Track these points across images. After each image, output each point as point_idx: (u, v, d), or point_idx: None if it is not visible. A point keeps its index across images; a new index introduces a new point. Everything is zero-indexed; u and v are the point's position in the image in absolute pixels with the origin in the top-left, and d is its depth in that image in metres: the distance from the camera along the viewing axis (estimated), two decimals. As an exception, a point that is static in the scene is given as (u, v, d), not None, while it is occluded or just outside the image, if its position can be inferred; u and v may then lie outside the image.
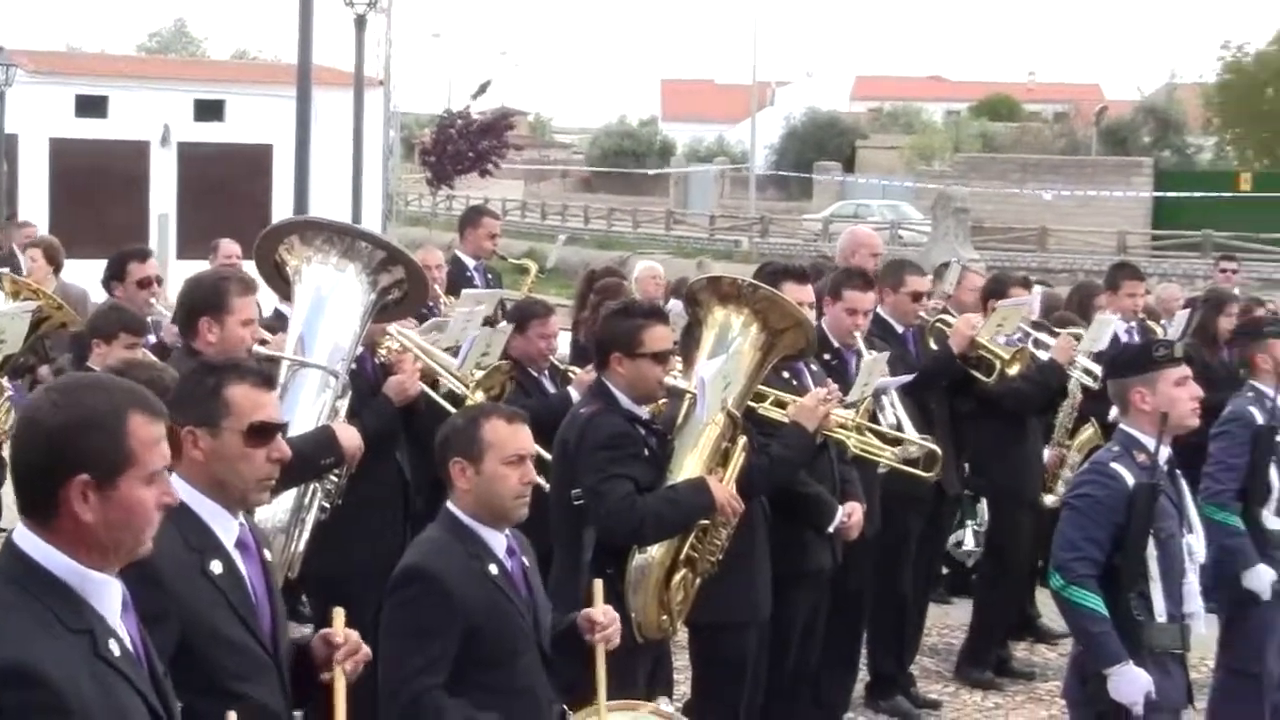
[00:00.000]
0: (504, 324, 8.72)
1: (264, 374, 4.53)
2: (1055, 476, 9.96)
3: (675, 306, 9.38)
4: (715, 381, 6.60)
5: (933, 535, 9.64)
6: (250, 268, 7.66)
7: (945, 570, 10.89)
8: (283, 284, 6.99)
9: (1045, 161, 56.85)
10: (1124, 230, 46.50)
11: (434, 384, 7.69)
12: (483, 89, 57.55)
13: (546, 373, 8.84)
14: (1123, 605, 6.09)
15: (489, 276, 11.75)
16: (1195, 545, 6.36)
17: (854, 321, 8.22)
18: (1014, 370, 9.39)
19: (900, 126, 75.28)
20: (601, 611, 5.17)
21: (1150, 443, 6.21)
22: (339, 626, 4.25)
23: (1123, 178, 52.36)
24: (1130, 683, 6.00)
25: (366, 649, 4.29)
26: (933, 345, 9.42)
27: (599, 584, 5.26)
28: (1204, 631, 6.45)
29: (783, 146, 72.46)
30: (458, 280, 11.12)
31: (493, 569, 5.02)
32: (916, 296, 9.31)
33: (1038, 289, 12.09)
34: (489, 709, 4.92)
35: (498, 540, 5.09)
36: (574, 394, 8.23)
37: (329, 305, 6.81)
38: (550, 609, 5.26)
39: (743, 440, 6.65)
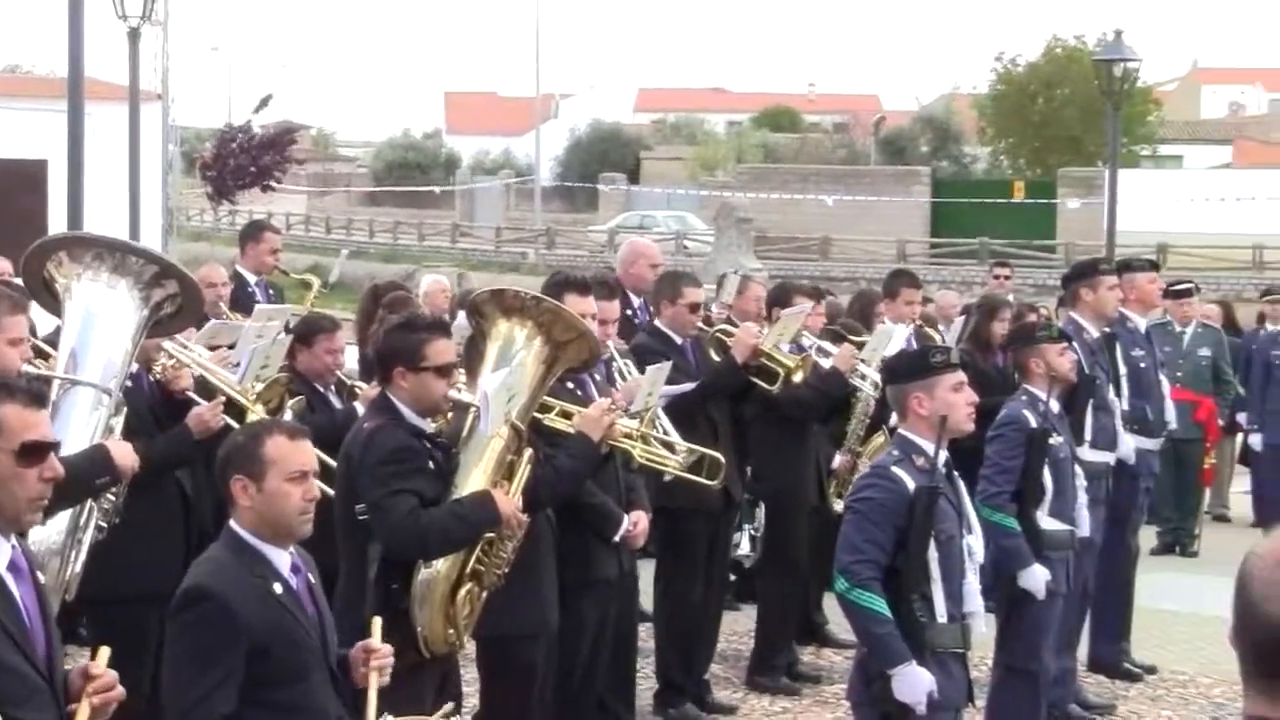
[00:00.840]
0: (283, 336, 8.62)
1: (35, 393, 4.43)
2: (846, 483, 10.09)
3: (461, 320, 9.35)
4: (499, 394, 6.58)
5: (722, 542, 9.72)
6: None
7: (733, 577, 10.97)
8: (51, 301, 6.84)
9: (826, 171, 57.68)
10: (903, 238, 47.30)
11: (211, 397, 7.56)
12: (264, 103, 56.87)
13: (333, 388, 8.76)
14: (905, 607, 6.19)
15: (270, 292, 11.61)
16: (974, 546, 6.48)
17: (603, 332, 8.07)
18: (798, 378, 9.52)
19: (683, 138, 75.84)
20: (378, 643, 5.14)
21: (929, 447, 6.32)
22: (101, 661, 4.26)
23: (902, 187, 53.32)
24: (913, 683, 6.10)
25: (119, 691, 4.27)
26: (714, 355, 9.50)
27: (378, 621, 5.23)
28: (983, 630, 6.58)
29: (568, 158, 72.63)
30: (239, 297, 10.97)
31: (277, 587, 4.96)
32: (694, 308, 9.39)
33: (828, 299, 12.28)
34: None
35: (282, 558, 5.03)
36: (361, 410, 8.16)
37: (100, 322, 6.68)
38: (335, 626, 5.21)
39: (528, 452, 6.64)
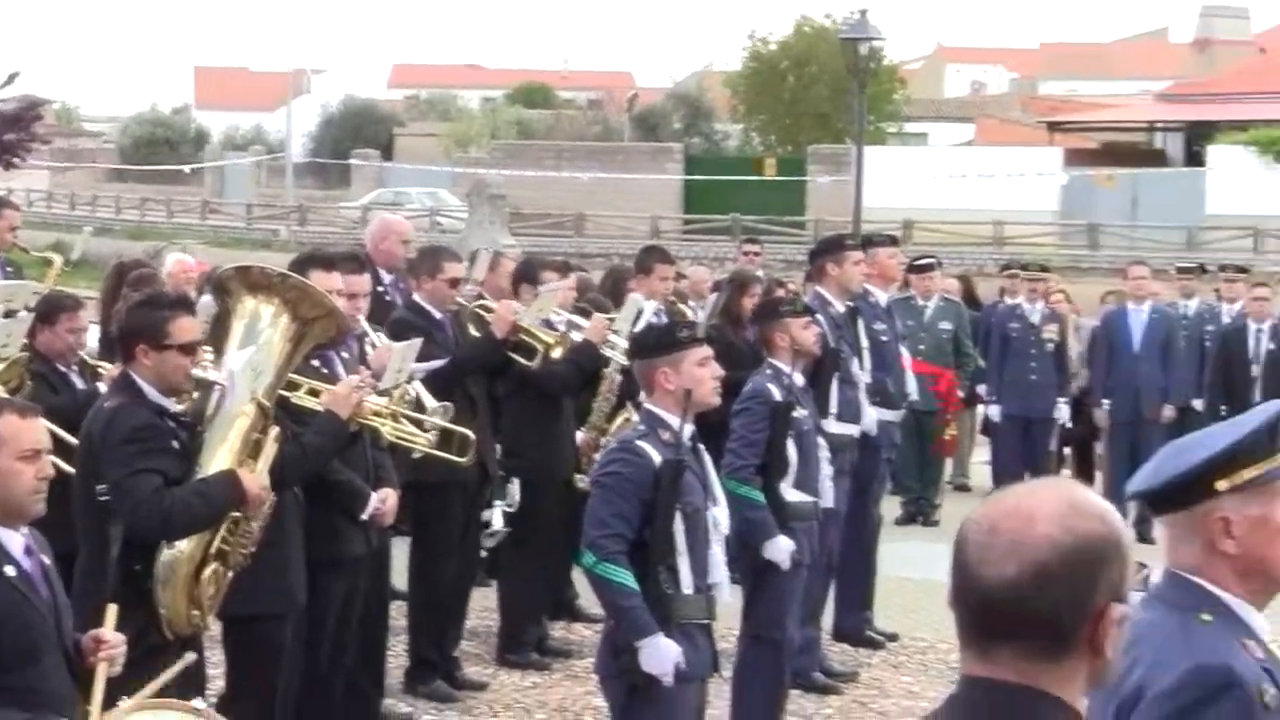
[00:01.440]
0: (24, 313, 8.42)
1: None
2: (590, 459, 10.16)
3: (206, 298, 9.21)
4: (245, 372, 6.52)
5: (475, 518, 9.73)
6: None
7: (485, 553, 10.98)
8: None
9: (580, 148, 57.78)
10: (657, 215, 47.62)
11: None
12: (10, 79, 55.15)
13: (75, 368, 8.58)
14: (651, 579, 6.27)
15: (9, 270, 11.33)
16: (719, 518, 6.59)
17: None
18: (557, 354, 9.57)
19: (438, 114, 75.41)
20: (109, 632, 5.08)
21: (675, 421, 6.41)
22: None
23: (655, 164, 53.64)
24: (660, 654, 6.18)
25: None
26: (473, 331, 9.51)
27: (113, 609, 5.16)
28: (728, 601, 6.69)
29: (320, 135, 71.76)
30: (-25, 274, 10.69)
31: (9, 570, 4.87)
32: (453, 283, 9.39)
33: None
34: (11, 711, 4.78)
35: (14, 540, 4.94)
36: (104, 390, 8.01)
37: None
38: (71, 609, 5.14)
39: (274, 430, 6.58)
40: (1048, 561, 2.42)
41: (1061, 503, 2.47)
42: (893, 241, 11.39)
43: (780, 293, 11.93)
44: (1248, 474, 3.24)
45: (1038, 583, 2.41)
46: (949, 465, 15.91)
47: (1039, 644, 2.43)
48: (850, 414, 10.14)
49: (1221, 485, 3.24)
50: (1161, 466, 3.30)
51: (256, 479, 6.36)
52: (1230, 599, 3.27)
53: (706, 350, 6.58)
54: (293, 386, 7.14)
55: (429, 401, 8.19)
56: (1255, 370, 14.62)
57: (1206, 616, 3.23)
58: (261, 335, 6.73)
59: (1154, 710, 3.14)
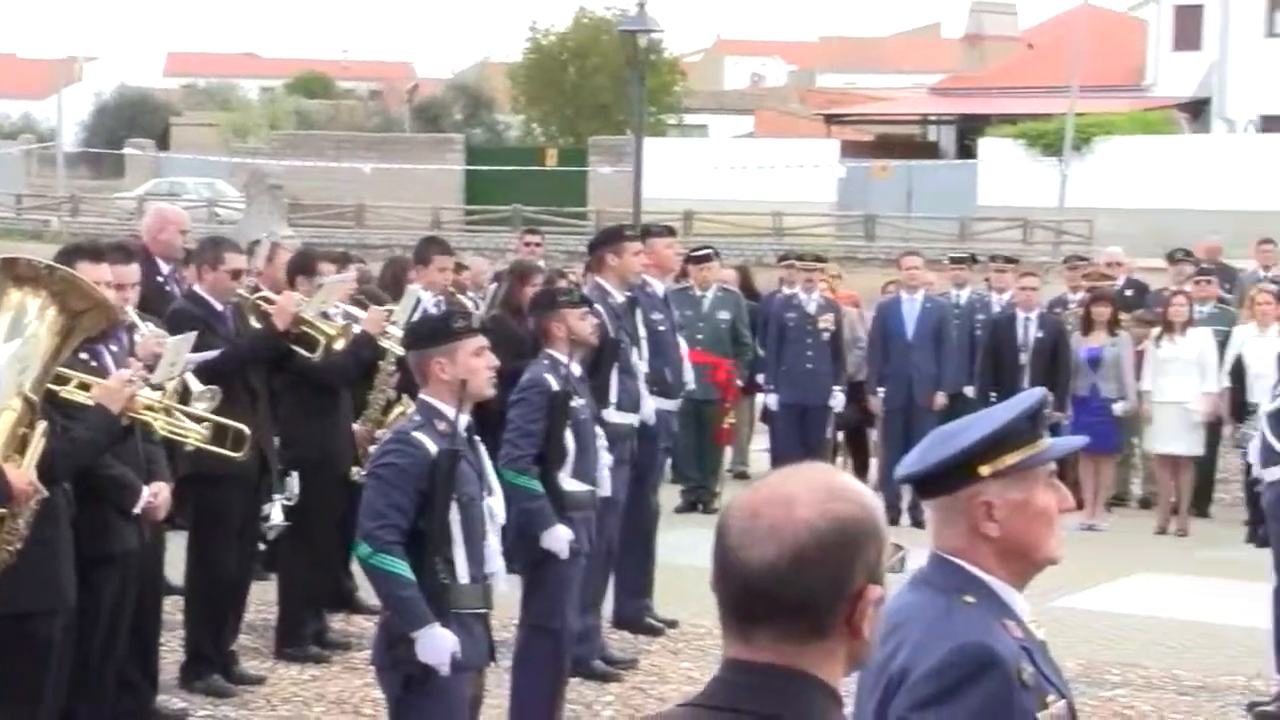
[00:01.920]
0: None
1: None
2: (366, 452, 10.08)
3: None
4: (11, 366, 6.36)
5: (254, 512, 9.60)
6: None
7: (263, 546, 10.84)
8: None
9: (361, 138, 57.33)
10: (438, 206, 47.41)
11: None
12: None
13: None
14: (428, 569, 6.24)
15: None
16: (495, 508, 6.58)
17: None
18: (339, 346, 9.49)
19: (215, 103, 74.29)
20: None
21: (450, 411, 6.38)
22: None
23: (437, 154, 53.38)
24: (436, 644, 6.16)
25: None
26: (254, 323, 9.38)
27: None
28: (505, 590, 6.68)
29: (93, 123, 70.32)
30: None
31: None
32: (235, 274, 9.27)
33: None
34: None
35: None
36: None
37: None
38: None
39: (42, 425, 6.44)
40: (806, 545, 2.45)
41: (819, 488, 2.50)
42: (670, 232, 11.46)
43: (562, 283, 11.95)
44: (1010, 459, 3.32)
45: (797, 566, 2.45)
46: (728, 453, 16.06)
47: (799, 626, 2.47)
48: (629, 403, 10.20)
49: (984, 470, 3.31)
50: (927, 452, 3.36)
51: (23, 475, 6.21)
52: (992, 581, 3.34)
53: (482, 340, 6.57)
54: (61, 380, 6.98)
55: (195, 386, 8.07)
56: (1024, 358, 14.98)
57: (969, 598, 3.30)
58: (28, 329, 6.56)
59: (918, 689, 3.20)
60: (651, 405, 10.46)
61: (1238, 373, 14.31)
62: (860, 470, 17.12)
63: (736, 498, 2.57)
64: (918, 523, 12.76)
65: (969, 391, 15.36)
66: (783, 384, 15.20)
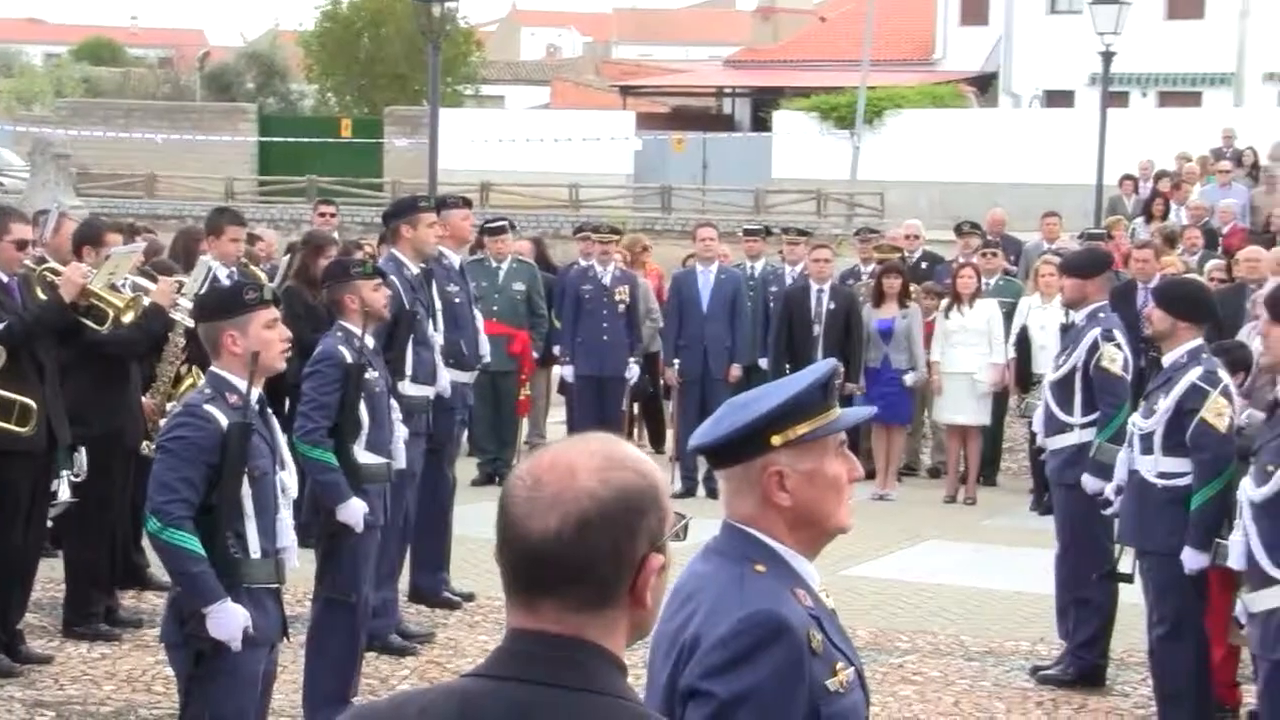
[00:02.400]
0: None
1: None
2: (156, 425, 9.91)
3: None
4: None
5: (43, 488, 9.39)
6: None
7: (50, 522, 10.62)
8: None
9: (151, 107, 56.20)
10: (231, 176, 46.65)
11: None
12: None
13: None
14: (219, 544, 6.16)
15: None
16: (288, 482, 6.50)
17: None
18: (128, 318, 9.30)
19: (-2, 70, 72.39)
20: None
21: (242, 384, 6.29)
22: None
23: (229, 124, 52.49)
24: (228, 620, 6.08)
25: None
26: (41, 294, 9.16)
27: None
28: (296, 565, 6.61)
29: None
30: None
31: None
32: (21, 245, 9.06)
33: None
34: None
35: None
36: None
37: None
38: None
39: None
40: (588, 512, 2.46)
41: (600, 456, 2.51)
42: (465, 203, 11.40)
43: (358, 255, 11.85)
44: (801, 429, 3.34)
45: (579, 534, 2.45)
46: (525, 425, 16.05)
47: (582, 595, 2.47)
48: (425, 376, 10.14)
49: (776, 440, 3.33)
50: (720, 422, 3.38)
51: None
52: (783, 549, 3.37)
53: (274, 312, 6.48)
54: None
55: None
56: (817, 330, 15.15)
57: (760, 566, 3.32)
58: None
59: (710, 657, 3.21)
60: (447, 377, 10.42)
61: (1023, 344, 14.60)
62: (656, 441, 17.23)
63: (518, 467, 2.57)
64: (713, 493, 12.87)
65: (763, 363, 15.51)
66: (579, 355, 15.22)
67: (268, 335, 6.38)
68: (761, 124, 50.43)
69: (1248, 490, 6.66)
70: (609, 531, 2.47)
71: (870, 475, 15.18)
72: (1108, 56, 28.38)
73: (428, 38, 22.83)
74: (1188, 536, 8.07)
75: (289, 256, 13.49)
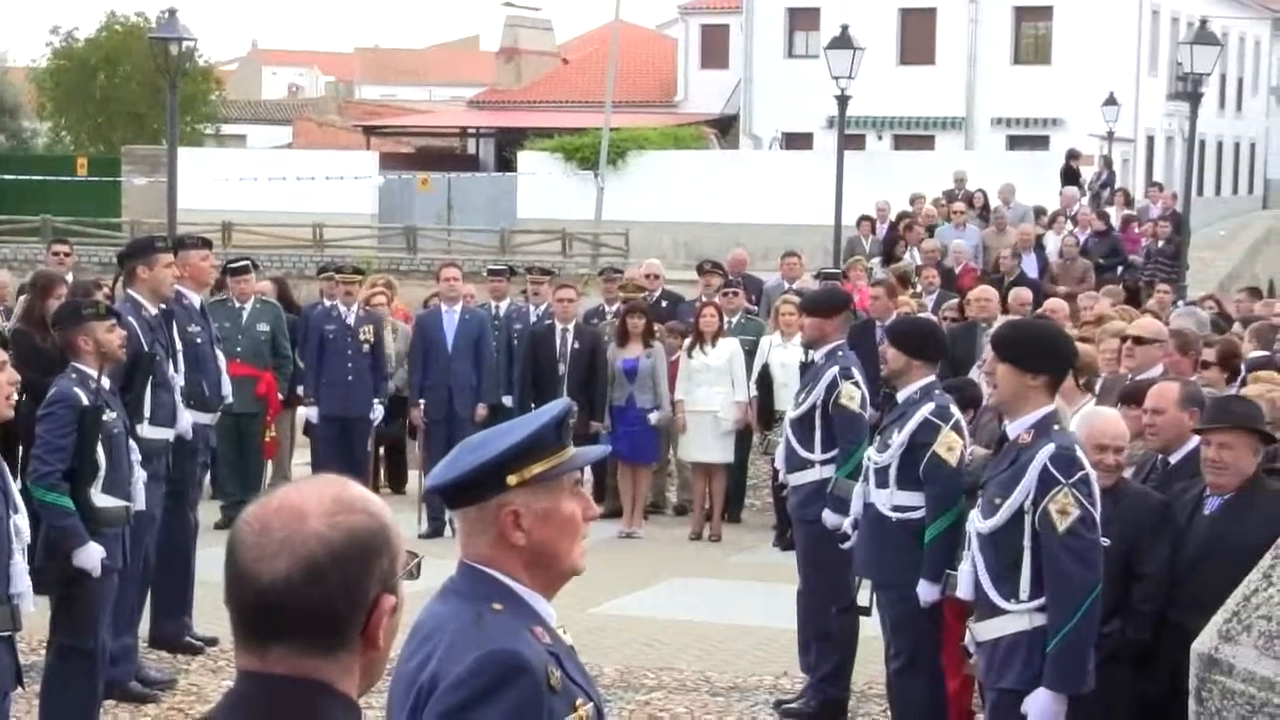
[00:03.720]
0: None
1: None
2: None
3: None
4: None
5: None
6: None
7: None
8: None
9: (-125, 144, 54.44)
10: (-40, 215, 45.41)
11: None
12: None
13: None
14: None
15: None
16: (20, 525, 6.36)
17: None
18: None
19: None
20: None
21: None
22: None
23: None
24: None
25: None
26: None
27: None
28: (32, 610, 6.45)
29: None
30: None
31: None
32: None
33: None
34: None
35: None
36: None
37: None
38: None
39: None
40: (318, 556, 2.46)
41: (328, 498, 2.52)
42: (204, 243, 11.26)
43: (99, 294, 11.61)
44: (536, 469, 3.37)
45: (310, 578, 2.45)
46: (270, 467, 15.84)
47: (314, 638, 2.48)
48: (164, 417, 9.99)
49: (512, 480, 3.35)
50: (454, 462, 3.39)
51: None
52: (520, 588, 3.39)
53: (1, 355, 6.34)
54: None
55: None
56: (562, 369, 15.23)
57: (497, 606, 3.34)
58: None
59: (447, 698, 3.22)
60: (188, 419, 10.28)
61: (764, 382, 14.82)
62: (396, 483, 17.14)
63: (246, 511, 2.56)
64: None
65: (508, 401, 15.53)
66: (323, 396, 15.08)
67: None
68: (506, 164, 50.57)
69: (976, 522, 6.86)
70: (339, 574, 2.47)
71: (617, 513, 15.29)
72: (843, 100, 29.02)
73: (165, 76, 22.52)
74: (922, 569, 8.27)
75: (22, 298, 13.16)
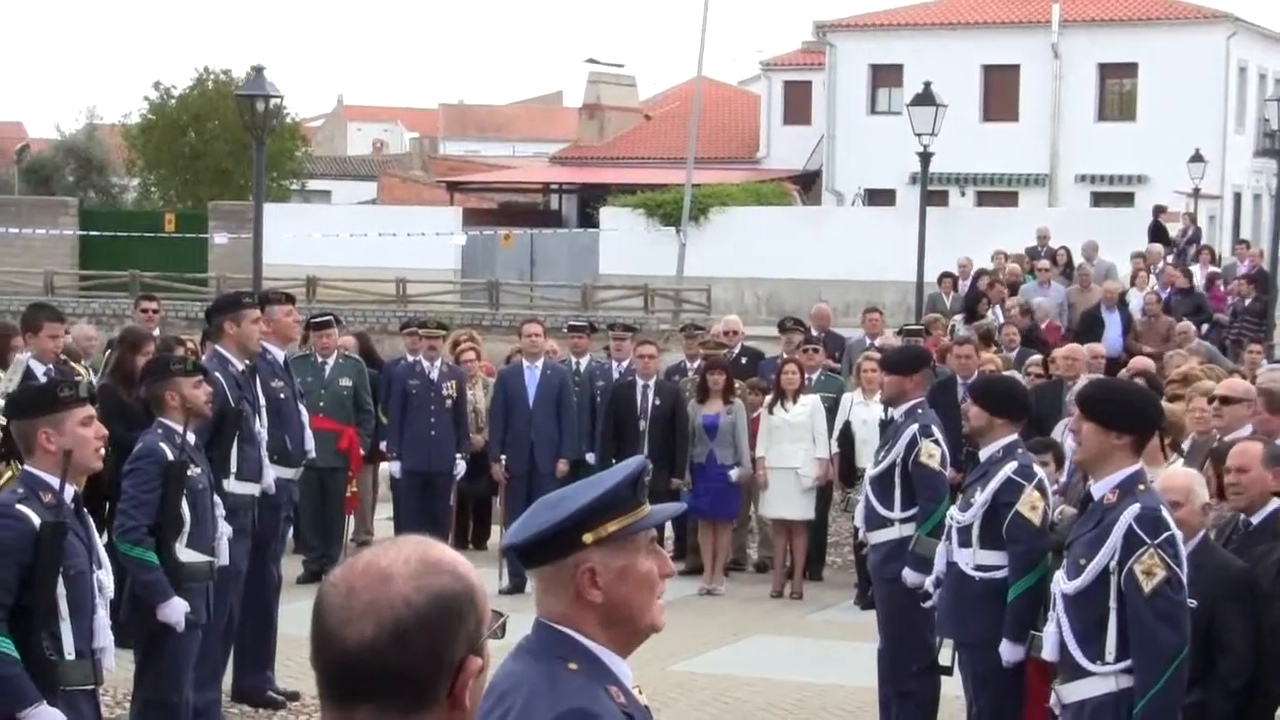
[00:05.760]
0: None
1: None
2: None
3: None
4: None
5: None
6: None
7: None
8: None
9: (-32, 202, 55.30)
10: (51, 270, 45.99)
11: None
12: None
13: None
14: (34, 645, 6.05)
15: None
16: (104, 581, 6.41)
17: None
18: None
19: None
20: None
21: (55, 482, 6.20)
22: None
23: (49, 217, 51.76)
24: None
25: None
26: None
27: None
28: (114, 666, 6.49)
29: None
30: None
31: None
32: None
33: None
34: None
35: None
36: None
37: None
38: None
39: None
40: (404, 619, 2.46)
41: (414, 560, 2.52)
42: (289, 299, 11.36)
43: (180, 351, 11.73)
44: (612, 527, 3.36)
45: (396, 641, 2.46)
46: (351, 522, 15.91)
47: (400, 701, 2.48)
48: (250, 472, 10.05)
49: (588, 538, 3.35)
50: (530, 521, 3.39)
51: None
52: (595, 648, 3.38)
53: (89, 410, 6.41)
54: None
55: None
56: (643, 425, 15.22)
57: (573, 665, 3.33)
58: None
59: None
60: (272, 474, 10.34)
61: (845, 439, 14.77)
62: (479, 539, 17.16)
63: (332, 574, 2.57)
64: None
65: (590, 458, 15.54)
66: (405, 451, 15.16)
67: (83, 433, 6.31)
68: (588, 220, 50.72)
69: (1061, 583, 6.80)
70: (426, 638, 2.47)
71: (697, 570, 15.25)
72: (926, 157, 28.97)
73: (252, 134, 22.75)
74: (1005, 629, 8.20)
75: (108, 353, 13.31)
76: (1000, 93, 50.56)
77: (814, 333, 17.78)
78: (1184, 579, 6.50)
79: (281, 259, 38.16)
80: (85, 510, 6.43)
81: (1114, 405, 6.80)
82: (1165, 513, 6.58)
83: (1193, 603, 6.63)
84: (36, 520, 6.09)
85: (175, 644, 8.14)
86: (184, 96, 58.67)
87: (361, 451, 15.32)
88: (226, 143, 54.99)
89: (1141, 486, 6.65)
